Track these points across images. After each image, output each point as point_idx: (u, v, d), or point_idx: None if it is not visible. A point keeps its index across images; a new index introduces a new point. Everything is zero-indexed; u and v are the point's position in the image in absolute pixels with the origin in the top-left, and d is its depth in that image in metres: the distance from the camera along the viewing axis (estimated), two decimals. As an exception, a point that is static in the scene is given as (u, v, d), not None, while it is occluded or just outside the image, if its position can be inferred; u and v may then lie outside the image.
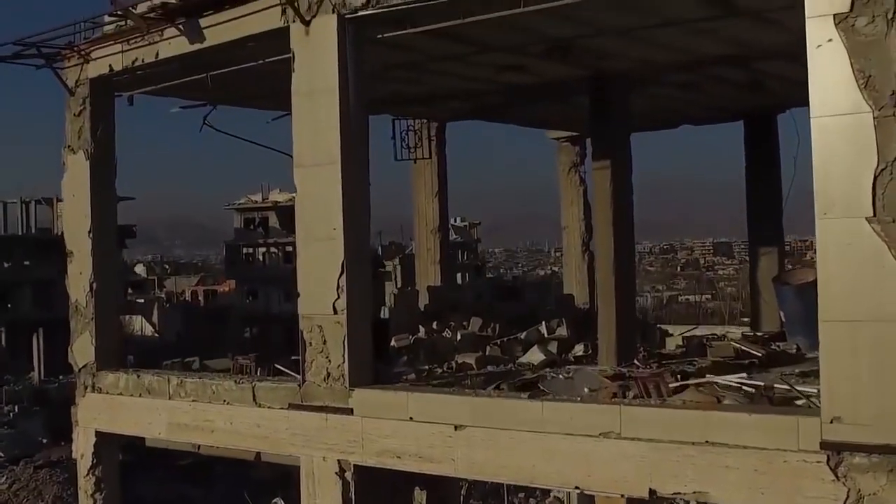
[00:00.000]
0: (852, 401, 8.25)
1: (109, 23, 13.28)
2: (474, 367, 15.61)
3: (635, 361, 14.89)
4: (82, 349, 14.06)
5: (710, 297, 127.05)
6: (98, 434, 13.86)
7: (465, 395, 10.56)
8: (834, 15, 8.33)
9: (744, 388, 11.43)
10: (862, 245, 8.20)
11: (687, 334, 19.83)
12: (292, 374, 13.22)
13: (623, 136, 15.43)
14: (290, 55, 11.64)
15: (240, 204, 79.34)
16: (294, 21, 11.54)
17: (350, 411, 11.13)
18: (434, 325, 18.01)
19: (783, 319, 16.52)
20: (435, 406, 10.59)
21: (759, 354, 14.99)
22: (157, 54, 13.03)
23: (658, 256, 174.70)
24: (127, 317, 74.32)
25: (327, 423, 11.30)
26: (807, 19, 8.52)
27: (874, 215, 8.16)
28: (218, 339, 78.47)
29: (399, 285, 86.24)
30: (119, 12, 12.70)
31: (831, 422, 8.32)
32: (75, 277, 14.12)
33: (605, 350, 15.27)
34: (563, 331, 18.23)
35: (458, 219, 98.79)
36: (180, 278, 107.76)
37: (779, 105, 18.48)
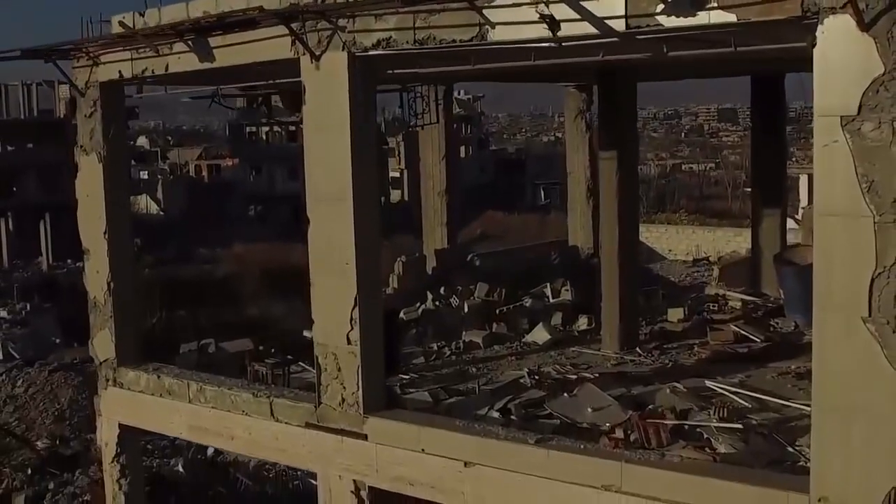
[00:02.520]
0: (840, 483, 8.74)
1: (119, 35, 13.25)
2: (481, 345, 16.23)
3: (637, 350, 15.44)
4: (103, 344, 14.54)
5: (713, 165, 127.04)
6: (121, 425, 14.48)
7: (475, 432, 11.03)
8: (841, 117, 8.44)
9: (738, 403, 12.06)
10: (857, 341, 8.54)
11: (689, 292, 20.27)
12: (308, 367, 13.75)
13: (631, 125, 15.57)
14: (301, 87, 11.73)
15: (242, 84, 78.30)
16: (304, 54, 11.58)
17: (365, 437, 11.67)
18: (442, 291, 18.49)
19: (783, 296, 16.99)
20: (446, 441, 11.10)
21: (759, 339, 15.56)
22: (167, 67, 13.07)
23: (662, 122, 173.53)
24: (132, 197, 74.66)
25: (343, 445, 11.86)
26: (815, 117, 8.66)
27: (870, 315, 8.49)
28: (222, 217, 79.27)
29: (402, 163, 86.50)
30: (126, 32, 12.67)
31: (819, 500, 8.84)
32: (93, 275, 14.48)
33: (607, 331, 15.71)
34: (567, 294, 18.75)
35: (462, 91, 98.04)
36: (183, 150, 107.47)
37: (787, 69, 18.41)
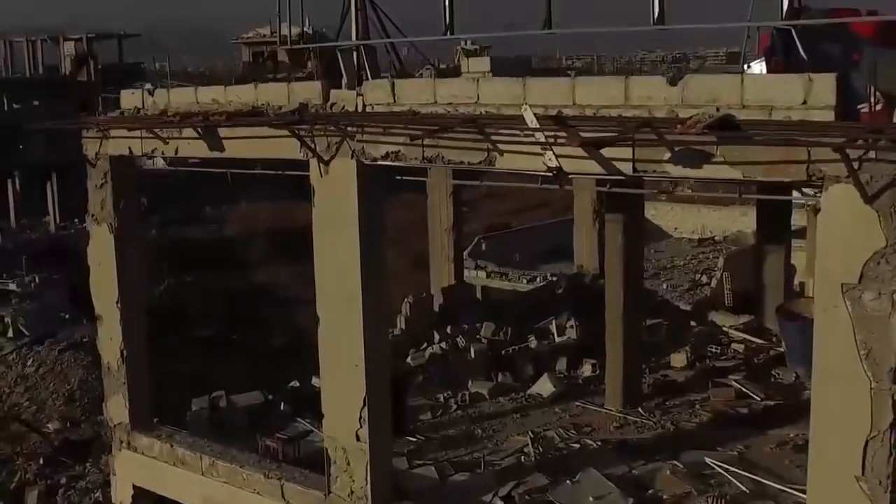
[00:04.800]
0: None
1: (127, 118, 13.34)
2: (487, 397, 16.55)
3: (640, 409, 15.72)
4: (116, 409, 14.84)
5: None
6: (135, 487, 14.85)
7: (481, 536, 11.39)
8: (842, 284, 8.61)
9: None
10: (851, 499, 8.81)
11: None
12: (318, 430, 14.10)
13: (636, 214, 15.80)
14: (311, 189, 11.87)
15: (248, 38, 78.09)
16: (313, 157, 11.69)
17: (374, 530, 12.03)
18: (448, 330, 18.73)
19: (784, 347, 17.24)
20: (452, 542, 11.47)
21: (759, 398, 15.85)
22: (177, 151, 13.20)
23: (670, 66, 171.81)
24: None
25: (352, 535, 12.22)
26: (816, 281, 8.83)
27: (863, 474, 8.75)
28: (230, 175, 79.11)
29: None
30: (134, 123, 12.77)
31: None
32: (106, 342, 14.73)
33: (610, 386, 15.98)
34: (572, 332, 19.00)
35: (468, 42, 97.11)
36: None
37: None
